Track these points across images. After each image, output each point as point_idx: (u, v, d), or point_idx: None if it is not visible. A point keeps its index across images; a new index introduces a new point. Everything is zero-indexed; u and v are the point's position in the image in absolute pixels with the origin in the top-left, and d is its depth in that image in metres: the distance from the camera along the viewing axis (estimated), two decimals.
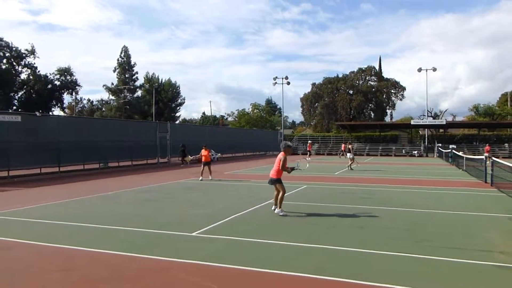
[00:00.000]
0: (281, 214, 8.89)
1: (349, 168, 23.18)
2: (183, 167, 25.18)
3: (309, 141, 42.56)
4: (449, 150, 31.02)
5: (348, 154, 24.22)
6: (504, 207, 10.22)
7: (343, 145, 42.04)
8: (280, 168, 9.10)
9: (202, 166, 17.41)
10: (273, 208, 9.30)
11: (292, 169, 9.43)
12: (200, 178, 16.86)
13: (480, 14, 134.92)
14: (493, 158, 15.15)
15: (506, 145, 46.83)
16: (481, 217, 9.00)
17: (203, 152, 17.50)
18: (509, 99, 71.59)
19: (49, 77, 60.37)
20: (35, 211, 9.65)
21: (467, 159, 22.52)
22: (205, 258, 5.67)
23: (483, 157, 17.29)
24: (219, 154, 27.74)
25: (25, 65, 57.89)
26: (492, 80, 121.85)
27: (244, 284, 4.79)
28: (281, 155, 9.20)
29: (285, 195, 9.23)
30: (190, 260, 5.61)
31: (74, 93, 66.79)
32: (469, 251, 6.09)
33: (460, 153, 25.74)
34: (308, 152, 38.05)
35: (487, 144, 39.63)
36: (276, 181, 9.16)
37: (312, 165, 28.64)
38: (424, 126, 51.45)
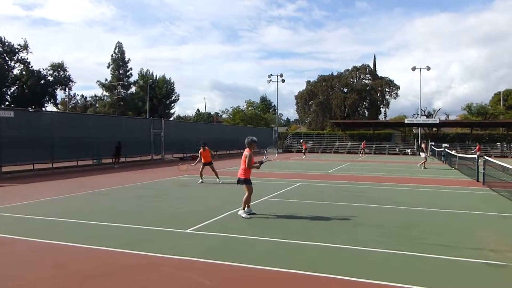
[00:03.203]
0: (244, 216, 8.27)
1: (423, 167, 23.23)
2: (117, 169, 21.25)
3: (301, 140, 43.13)
4: (442, 149, 31.24)
5: (421, 153, 24.31)
6: (495, 206, 10.31)
7: (363, 143, 42.83)
8: (246, 166, 8.46)
9: (201, 166, 15.05)
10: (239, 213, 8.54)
11: (261, 163, 8.82)
12: (200, 180, 14.75)
13: (474, 13, 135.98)
14: (485, 157, 15.27)
15: (498, 144, 47.22)
16: (472, 216, 9.08)
17: (202, 152, 15.08)
18: (501, 98, 72.19)
19: (42, 72, 59.91)
20: (28, 207, 9.59)
21: (459, 157, 22.69)
22: (199, 255, 5.68)
23: (475, 156, 17.42)
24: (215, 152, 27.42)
25: (18, 60, 57.38)
26: (486, 79, 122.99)
27: (238, 281, 4.80)
28: (246, 151, 8.54)
29: (252, 190, 8.66)
30: (184, 256, 5.61)
31: (67, 89, 66.43)
32: (461, 249, 6.15)
33: (453, 152, 25.91)
34: (304, 151, 38.39)
35: (477, 143, 40.07)
36: (244, 182, 8.53)
37: (306, 162, 28.73)
38: (417, 125, 51.75)
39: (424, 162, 23.71)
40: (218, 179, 14.79)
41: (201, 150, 15.15)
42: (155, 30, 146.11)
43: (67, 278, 4.82)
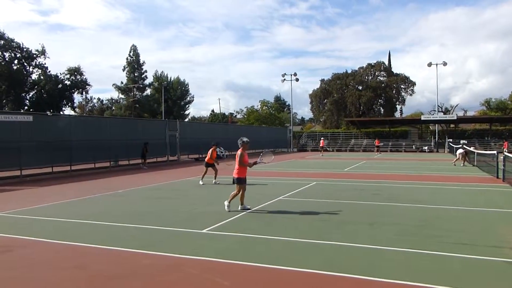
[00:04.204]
0: (226, 207, 9.02)
1: (454, 164, 22.74)
2: (145, 171, 21.45)
3: (321, 138, 43.23)
4: (460, 145, 30.72)
5: (459, 150, 23.41)
6: None
7: (376, 141, 42.47)
8: (238, 164, 9.02)
9: (205, 168, 15.04)
10: (239, 208, 9.16)
11: (254, 163, 9.38)
12: (201, 182, 14.64)
13: (491, 6, 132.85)
14: (505, 153, 14.97)
15: None
16: (492, 213, 8.92)
17: (213, 152, 15.15)
18: None
19: (59, 77, 60.90)
20: (48, 210, 9.80)
21: (478, 154, 22.27)
22: (216, 255, 5.72)
23: (494, 152, 17.07)
24: (226, 151, 27.57)
25: (36, 66, 58.43)
26: (504, 73, 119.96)
27: (255, 281, 4.82)
28: (238, 151, 9.15)
29: (245, 189, 9.22)
30: (201, 257, 5.66)
31: (84, 93, 67.35)
32: (481, 247, 6.05)
33: (472, 148, 25.44)
34: (321, 149, 38.42)
35: (504, 140, 39.03)
36: (236, 181, 9.06)
37: (321, 161, 28.59)
38: (434, 122, 50.93)
39: (457, 160, 22.84)
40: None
41: (212, 149, 15.20)
42: (168, 32, 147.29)
43: (88, 279, 4.92)
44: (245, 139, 9.30)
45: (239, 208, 9.15)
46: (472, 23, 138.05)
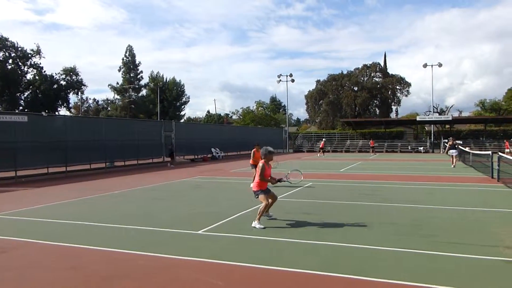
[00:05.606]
0: (257, 227, 7.47)
1: (452, 166, 21.75)
2: (173, 168, 23.88)
3: (323, 139, 43.50)
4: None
5: (451, 150, 22.32)
6: (511, 203, 10.16)
7: (371, 141, 42.69)
8: (259, 179, 7.85)
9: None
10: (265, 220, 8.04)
11: (279, 180, 8.25)
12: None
13: (486, 8, 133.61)
14: (500, 153, 15.06)
15: None
16: (488, 213, 8.97)
17: (256, 153, 13.73)
18: None
19: (54, 77, 60.66)
20: (43, 211, 9.74)
21: (473, 154, 22.38)
22: (211, 256, 5.71)
23: (489, 152, 17.17)
24: (222, 152, 27.59)
25: (31, 65, 58.15)
26: (499, 75, 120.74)
27: (250, 282, 4.82)
28: (260, 162, 7.98)
29: (275, 198, 8.10)
30: (197, 258, 5.65)
31: (79, 93, 67.10)
32: (476, 247, 6.08)
33: (467, 149, 25.56)
34: (321, 150, 38.51)
35: (505, 140, 39.01)
36: (256, 194, 7.93)
37: (317, 162, 28.62)
38: (430, 122, 51.09)
39: (455, 162, 22.06)
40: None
41: (254, 150, 14.00)
42: (164, 33, 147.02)
43: (83, 279, 4.89)
44: (270, 149, 8.04)
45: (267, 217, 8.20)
46: (467, 24, 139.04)
